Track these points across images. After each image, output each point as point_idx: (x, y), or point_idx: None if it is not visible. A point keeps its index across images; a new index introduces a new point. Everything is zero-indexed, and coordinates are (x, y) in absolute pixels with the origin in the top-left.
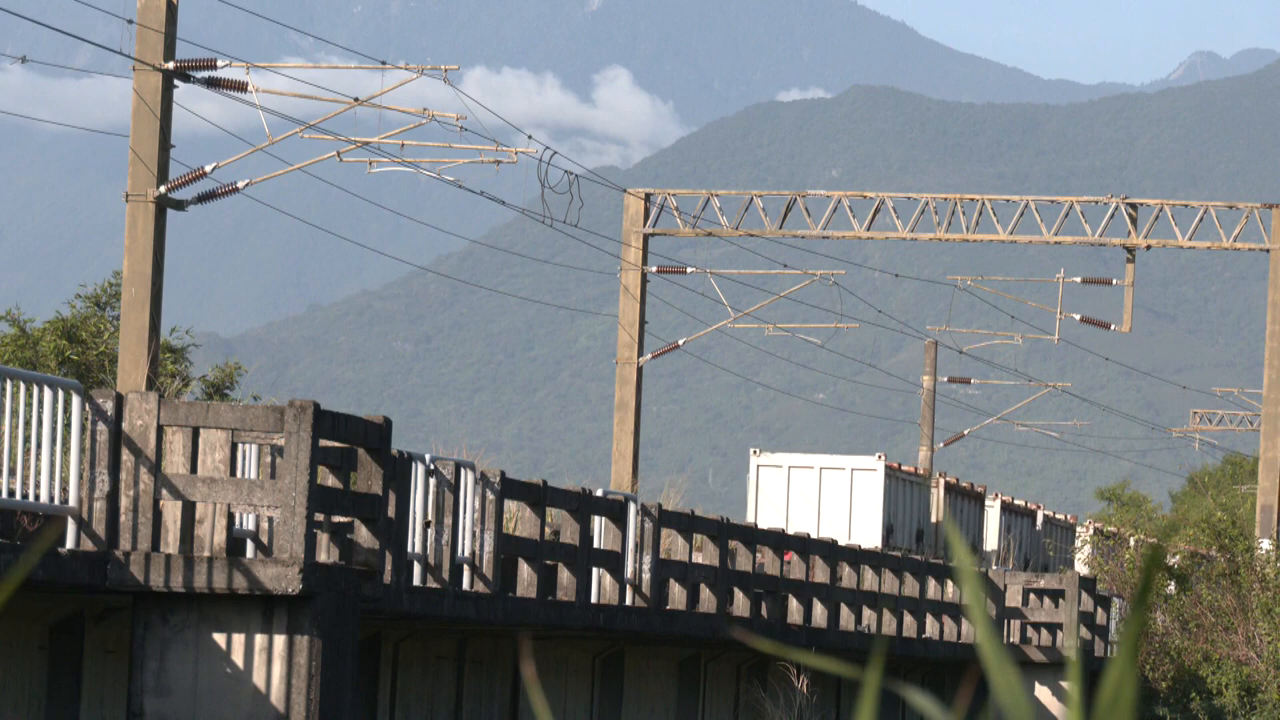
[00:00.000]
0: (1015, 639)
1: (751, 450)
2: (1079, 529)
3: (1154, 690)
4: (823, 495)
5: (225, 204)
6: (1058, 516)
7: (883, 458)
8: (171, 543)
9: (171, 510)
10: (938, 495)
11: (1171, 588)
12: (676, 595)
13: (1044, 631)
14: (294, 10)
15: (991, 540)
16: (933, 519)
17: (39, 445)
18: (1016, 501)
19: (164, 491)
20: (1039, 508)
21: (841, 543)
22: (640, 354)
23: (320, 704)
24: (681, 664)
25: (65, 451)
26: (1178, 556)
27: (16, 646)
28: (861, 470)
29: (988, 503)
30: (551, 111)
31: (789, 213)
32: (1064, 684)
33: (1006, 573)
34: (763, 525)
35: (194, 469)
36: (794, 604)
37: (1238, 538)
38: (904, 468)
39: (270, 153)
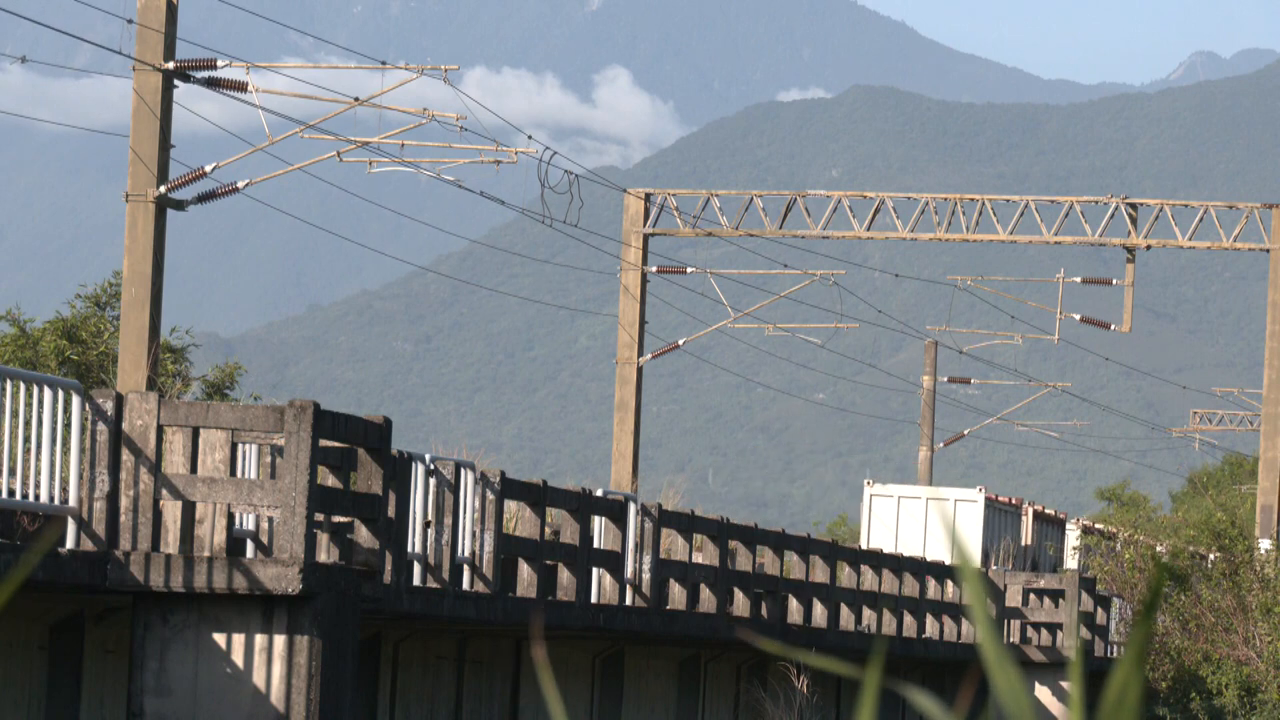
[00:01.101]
0: (1015, 639)
1: (865, 481)
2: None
3: (1154, 690)
4: (929, 522)
5: (225, 204)
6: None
7: (983, 490)
8: (171, 543)
9: (171, 510)
10: (1026, 522)
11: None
12: (676, 595)
13: (1044, 631)
14: (294, 10)
15: (1071, 560)
16: (1023, 543)
17: (39, 445)
18: (1097, 526)
19: (164, 491)
20: (1120, 529)
21: (946, 564)
22: (640, 354)
23: (320, 704)
24: (681, 664)
25: (65, 451)
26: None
27: (16, 646)
28: (964, 501)
29: (1068, 527)
30: (551, 111)
31: (789, 213)
32: (1064, 684)
33: (1006, 573)
34: (875, 548)
35: (194, 469)
36: (794, 604)
37: (1237, 538)
38: (999, 498)
39: (270, 153)
